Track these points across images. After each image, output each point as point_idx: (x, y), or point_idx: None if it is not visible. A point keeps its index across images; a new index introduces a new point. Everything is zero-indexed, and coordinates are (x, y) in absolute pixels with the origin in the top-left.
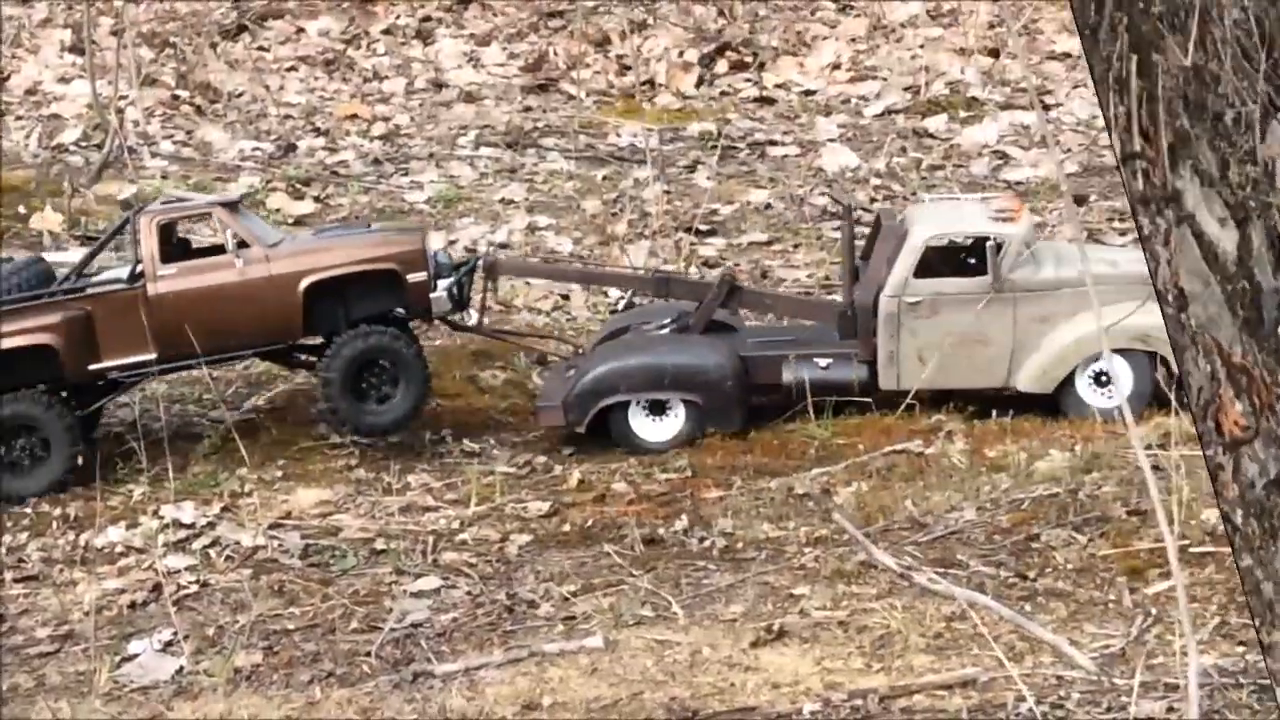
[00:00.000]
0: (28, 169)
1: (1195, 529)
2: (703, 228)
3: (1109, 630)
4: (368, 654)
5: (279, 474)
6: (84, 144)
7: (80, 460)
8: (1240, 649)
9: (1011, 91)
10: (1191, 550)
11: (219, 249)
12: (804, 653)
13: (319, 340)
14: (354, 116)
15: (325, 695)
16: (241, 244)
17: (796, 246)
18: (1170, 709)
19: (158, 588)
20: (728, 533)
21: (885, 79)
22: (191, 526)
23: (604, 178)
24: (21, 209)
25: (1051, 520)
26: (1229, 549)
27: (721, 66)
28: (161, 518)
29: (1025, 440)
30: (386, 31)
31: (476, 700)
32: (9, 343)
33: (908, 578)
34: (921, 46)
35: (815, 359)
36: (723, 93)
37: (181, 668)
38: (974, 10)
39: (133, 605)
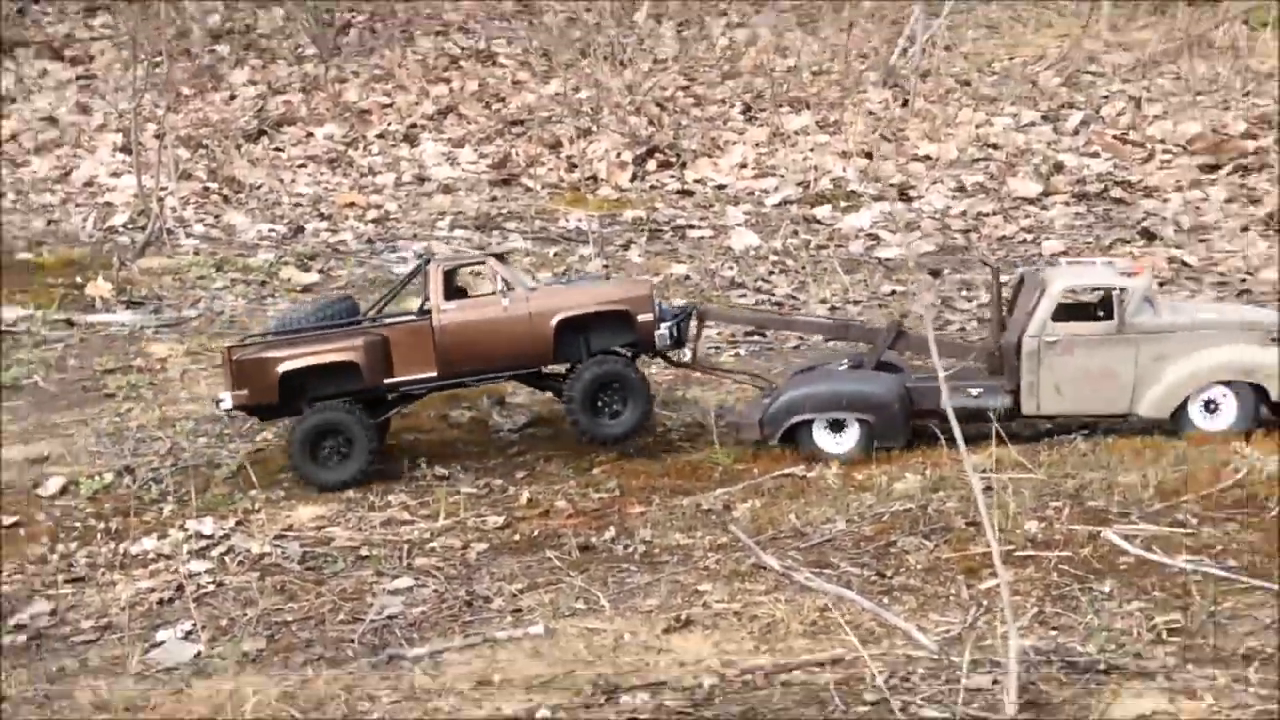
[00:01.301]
0: (84, 247)
1: (1019, 536)
2: None
3: (949, 618)
4: (352, 641)
5: (282, 494)
6: (130, 226)
7: (376, 458)
8: (1053, 633)
9: (882, 186)
10: (1016, 554)
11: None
12: (706, 637)
13: (562, 369)
14: (352, 204)
15: (316, 675)
16: (507, 286)
17: None
18: (995, 681)
19: (181, 587)
20: (647, 541)
21: (782, 176)
22: (210, 537)
23: (554, 254)
24: (79, 279)
25: (906, 530)
26: (1047, 552)
27: (651, 165)
28: (186, 530)
29: (886, 466)
30: (380, 136)
31: (440, 678)
32: (324, 358)
33: (789, 576)
34: (811, 150)
35: (969, 389)
36: (652, 186)
37: (199, 653)
38: (853, 121)
39: (160, 602)
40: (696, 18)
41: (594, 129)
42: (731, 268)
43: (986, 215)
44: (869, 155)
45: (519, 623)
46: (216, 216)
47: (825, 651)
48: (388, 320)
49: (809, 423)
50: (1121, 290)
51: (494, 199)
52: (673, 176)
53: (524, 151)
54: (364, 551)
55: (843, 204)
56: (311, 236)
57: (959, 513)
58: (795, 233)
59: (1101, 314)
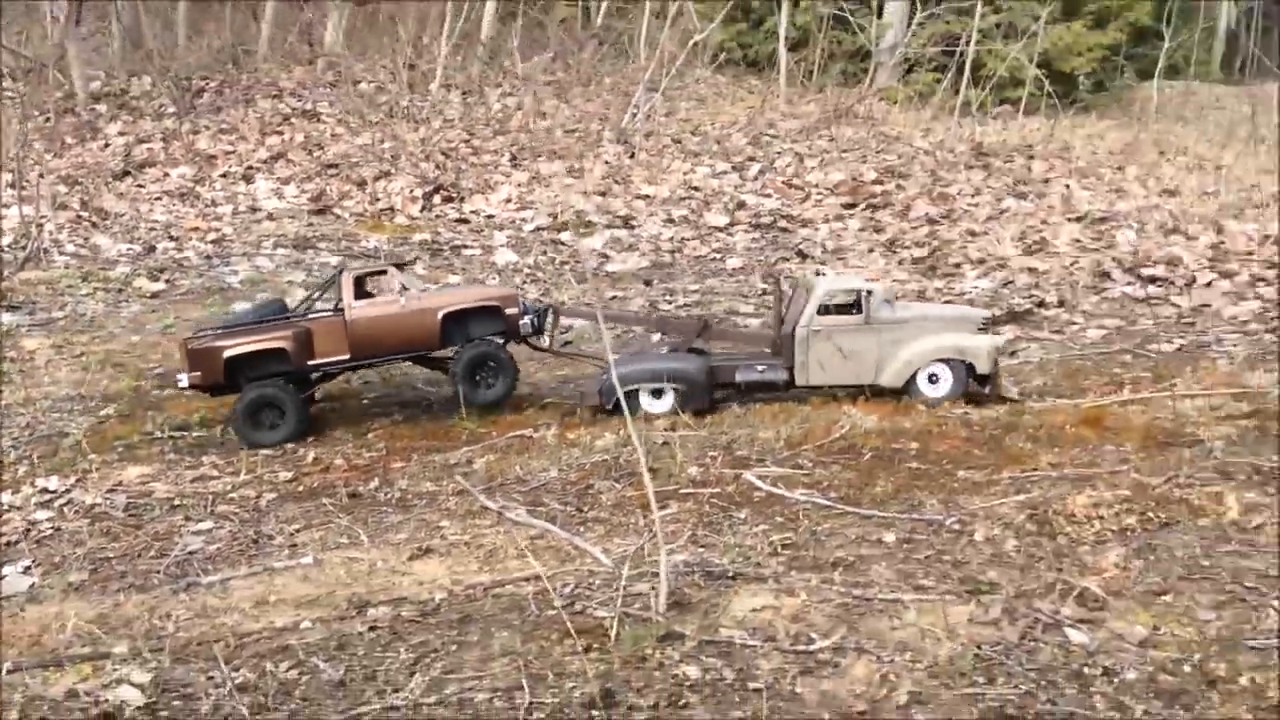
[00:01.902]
0: None
1: (683, 478)
2: None
3: (629, 542)
4: (159, 572)
5: (115, 458)
6: (13, 246)
7: (304, 426)
8: (700, 550)
9: (612, 217)
10: (680, 492)
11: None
12: (441, 562)
13: (449, 352)
14: (197, 229)
15: (126, 599)
16: (404, 288)
17: None
18: (652, 587)
19: (27, 532)
20: (403, 489)
21: (537, 208)
22: (54, 492)
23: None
24: None
25: (602, 475)
26: (702, 490)
27: (437, 199)
28: (35, 486)
29: (592, 428)
30: (224, 176)
31: (227, 599)
32: (260, 345)
33: (503, 514)
34: (561, 190)
35: (756, 366)
36: (437, 216)
37: (34, 584)
38: (593, 168)
39: (7, 544)
40: (478, 88)
41: (393, 172)
42: (494, 278)
43: (688, 239)
44: (603, 194)
45: (294, 555)
46: (85, 239)
47: (530, 570)
48: (311, 316)
49: (636, 391)
50: (868, 293)
51: (311, 225)
52: (453, 208)
53: (337, 189)
54: (177, 502)
55: (581, 230)
56: (161, 254)
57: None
58: (545, 252)
59: (853, 310)
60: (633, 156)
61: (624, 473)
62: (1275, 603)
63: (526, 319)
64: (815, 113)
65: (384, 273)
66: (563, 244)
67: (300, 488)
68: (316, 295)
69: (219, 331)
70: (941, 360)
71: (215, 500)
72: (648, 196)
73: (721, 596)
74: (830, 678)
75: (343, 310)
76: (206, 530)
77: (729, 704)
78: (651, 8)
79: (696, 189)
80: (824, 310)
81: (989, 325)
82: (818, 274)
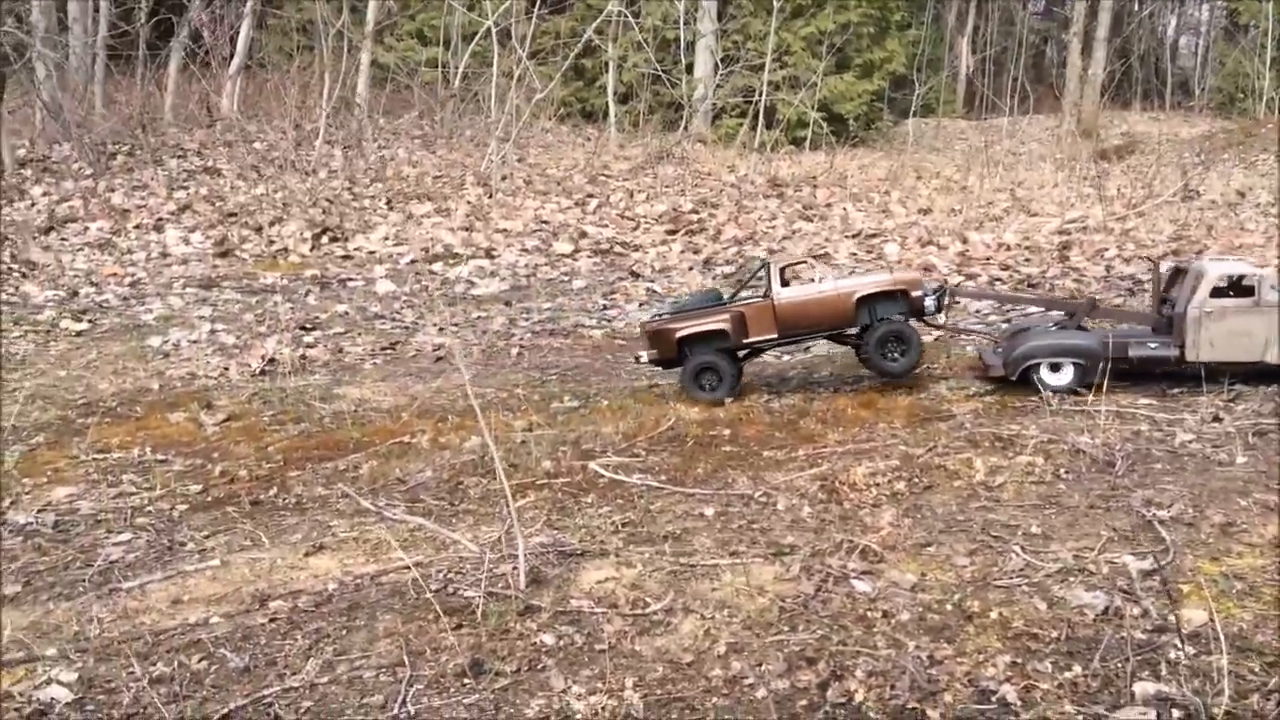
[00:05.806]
0: None
1: (539, 471)
2: (308, 326)
3: (494, 529)
4: (84, 580)
5: (45, 480)
6: None
7: (737, 388)
8: (555, 532)
9: (476, 249)
10: (536, 483)
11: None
12: (333, 557)
13: (856, 330)
14: (114, 274)
15: (56, 607)
16: (822, 278)
17: (360, 334)
18: (514, 568)
19: None
20: (299, 495)
21: (411, 244)
22: None
23: (256, 301)
24: None
25: (471, 472)
26: (555, 480)
27: (325, 240)
28: None
29: (460, 432)
30: (137, 227)
31: (144, 601)
32: (708, 326)
33: (380, 513)
34: (431, 227)
35: (1148, 343)
36: (325, 254)
37: None
38: (458, 207)
39: None
40: (355, 142)
41: (285, 217)
42: (376, 305)
43: (540, 265)
44: (468, 229)
45: (203, 558)
46: (15, 288)
47: (412, 558)
48: (744, 301)
49: (1037, 365)
50: (1259, 278)
51: (215, 266)
52: (339, 247)
53: (237, 234)
54: (99, 517)
55: (450, 261)
56: (84, 298)
57: (505, 459)
58: (419, 280)
59: (1238, 293)
60: (491, 197)
61: (489, 470)
62: (1016, 548)
63: (929, 300)
64: (640, 155)
65: (804, 263)
66: (434, 273)
67: (209, 498)
68: (747, 282)
69: (669, 316)
70: None
71: (133, 514)
72: (505, 230)
73: (572, 572)
74: (663, 635)
75: (770, 296)
76: (126, 541)
77: (580, 664)
78: (500, 69)
79: (546, 222)
80: (1217, 293)
81: None
82: (1205, 259)
